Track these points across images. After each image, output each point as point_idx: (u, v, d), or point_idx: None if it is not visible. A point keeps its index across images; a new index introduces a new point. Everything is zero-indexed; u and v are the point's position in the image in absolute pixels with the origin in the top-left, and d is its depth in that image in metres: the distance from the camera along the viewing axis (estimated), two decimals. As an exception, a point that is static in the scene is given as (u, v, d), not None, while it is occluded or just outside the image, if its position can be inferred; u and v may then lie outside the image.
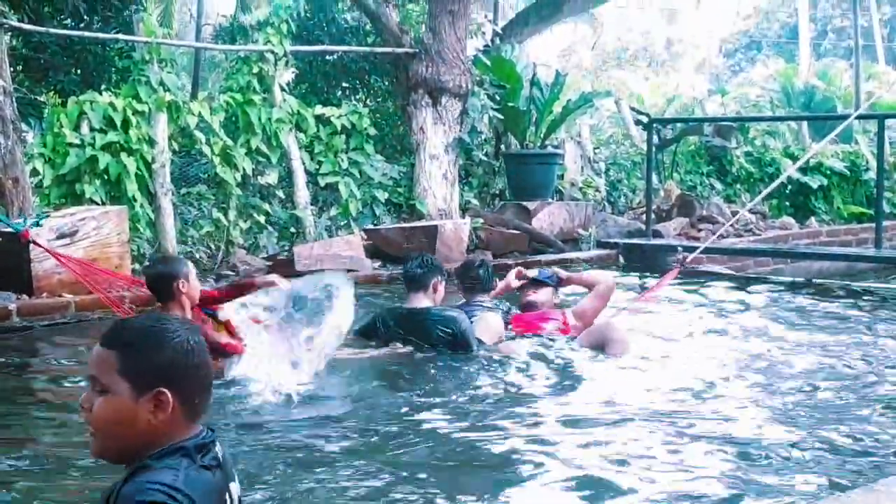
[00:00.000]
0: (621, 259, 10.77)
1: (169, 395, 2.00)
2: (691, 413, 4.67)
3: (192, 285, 5.29)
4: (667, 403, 4.84)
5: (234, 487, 2.09)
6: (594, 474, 3.83)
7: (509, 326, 6.23)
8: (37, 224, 6.55)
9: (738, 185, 14.54)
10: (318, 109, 10.44)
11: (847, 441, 4.27)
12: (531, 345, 5.94)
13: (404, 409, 4.83)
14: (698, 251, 8.68)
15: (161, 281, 5.28)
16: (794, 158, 14.68)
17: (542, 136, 12.28)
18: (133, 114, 8.75)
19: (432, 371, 5.49)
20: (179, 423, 2.03)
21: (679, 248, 9.24)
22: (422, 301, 5.85)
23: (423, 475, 3.87)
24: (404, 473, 3.88)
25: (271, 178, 9.81)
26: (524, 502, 3.65)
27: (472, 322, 5.90)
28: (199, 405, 2.07)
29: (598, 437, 4.31)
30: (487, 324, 5.98)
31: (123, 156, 8.60)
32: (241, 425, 4.58)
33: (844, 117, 12.32)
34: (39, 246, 6.51)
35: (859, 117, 13.86)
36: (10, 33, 9.22)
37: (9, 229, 6.84)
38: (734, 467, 3.90)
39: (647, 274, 9.30)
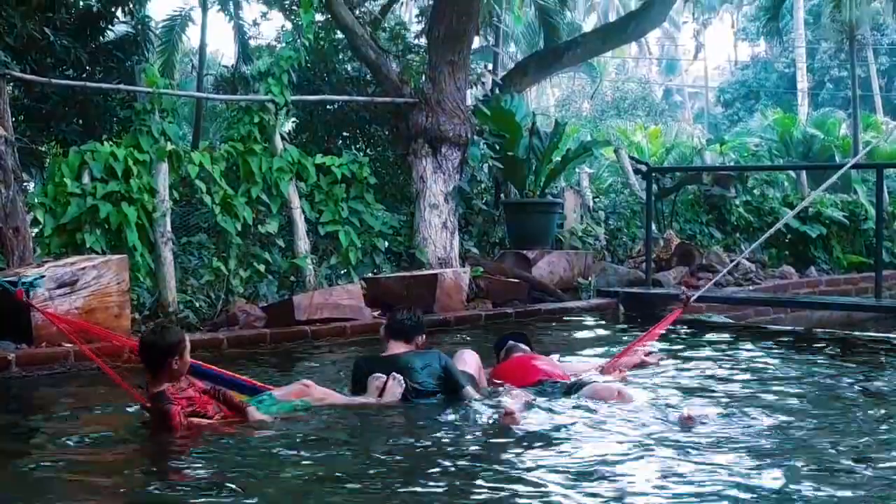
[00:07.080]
0: (621, 308, 10.76)
1: None
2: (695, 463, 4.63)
3: (185, 361, 5.16)
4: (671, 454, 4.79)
5: None
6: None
7: None
8: (31, 285, 6.50)
9: (738, 234, 14.57)
10: (319, 158, 10.48)
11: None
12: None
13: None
14: (700, 292, 8.68)
15: (155, 352, 5.12)
16: (793, 208, 14.71)
17: (541, 184, 12.33)
18: (134, 163, 8.80)
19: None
20: None
21: (682, 290, 9.29)
22: (401, 349, 6.01)
23: None
24: None
25: (272, 227, 9.83)
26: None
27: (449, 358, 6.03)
28: None
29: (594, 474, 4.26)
30: (469, 357, 6.11)
31: (124, 205, 8.64)
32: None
33: (843, 166, 12.37)
34: (34, 308, 6.48)
35: (857, 167, 13.94)
36: (12, 83, 9.30)
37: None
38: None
39: (647, 325, 9.27)
